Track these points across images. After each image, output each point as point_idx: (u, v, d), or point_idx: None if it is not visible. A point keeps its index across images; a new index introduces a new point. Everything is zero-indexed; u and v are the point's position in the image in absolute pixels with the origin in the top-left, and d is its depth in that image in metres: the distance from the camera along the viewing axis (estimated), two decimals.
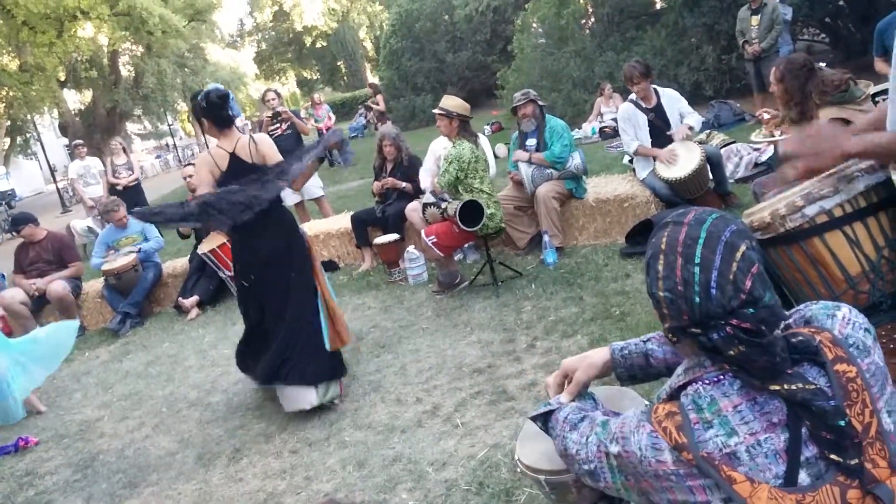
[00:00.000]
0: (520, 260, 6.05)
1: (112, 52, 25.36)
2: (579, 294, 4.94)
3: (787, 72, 3.93)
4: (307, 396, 4.03)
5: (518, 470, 1.87)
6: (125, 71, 27.63)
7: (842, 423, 1.12)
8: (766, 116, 4.19)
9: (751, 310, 1.15)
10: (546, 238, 5.75)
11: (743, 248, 1.18)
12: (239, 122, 4.26)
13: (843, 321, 1.26)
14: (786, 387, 1.15)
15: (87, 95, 27.91)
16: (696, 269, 1.18)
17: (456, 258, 6.00)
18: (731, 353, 1.18)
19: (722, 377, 1.21)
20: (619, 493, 1.35)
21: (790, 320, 1.33)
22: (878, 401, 1.19)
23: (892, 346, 2.05)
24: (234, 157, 4.11)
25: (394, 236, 6.40)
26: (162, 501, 3.58)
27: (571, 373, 1.68)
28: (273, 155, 4.19)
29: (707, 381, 1.22)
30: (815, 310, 1.31)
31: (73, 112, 26.60)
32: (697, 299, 1.17)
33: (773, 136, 5.79)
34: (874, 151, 1.86)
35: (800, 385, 1.15)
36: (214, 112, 4.11)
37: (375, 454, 3.50)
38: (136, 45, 25.92)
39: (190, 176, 7.15)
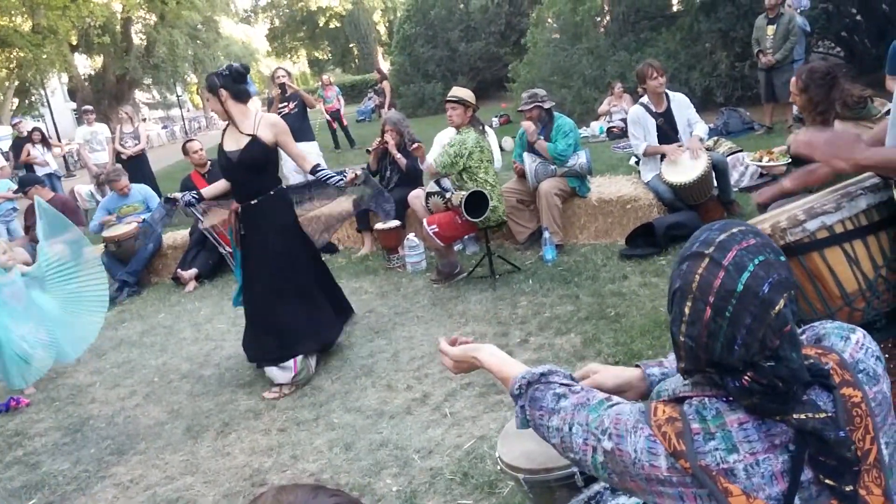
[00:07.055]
0: (519, 254, 6.07)
1: (125, 19, 25.31)
2: (576, 292, 4.95)
3: (811, 81, 3.72)
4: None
5: (498, 468, 1.89)
6: (137, 39, 27.54)
7: (848, 453, 1.10)
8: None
9: (771, 363, 1.12)
10: (546, 234, 5.76)
11: (780, 305, 1.12)
12: (251, 104, 4.34)
13: (856, 345, 1.23)
14: (796, 416, 1.12)
15: (98, 61, 27.83)
16: (725, 324, 1.13)
17: (455, 248, 6.00)
18: (745, 402, 1.15)
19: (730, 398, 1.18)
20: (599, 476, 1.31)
21: (802, 337, 1.29)
22: (880, 430, 1.16)
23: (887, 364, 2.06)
24: (254, 139, 4.18)
25: (395, 223, 6.40)
26: (148, 470, 3.61)
27: (593, 373, 1.63)
28: (287, 141, 4.35)
29: (714, 396, 1.19)
30: (829, 329, 1.27)
31: (82, 77, 26.53)
32: (719, 350, 1.14)
33: (762, 160, 5.72)
34: (885, 166, 1.87)
35: (810, 415, 1.12)
36: (235, 84, 4.15)
37: (363, 438, 3.53)
38: (149, 13, 25.85)
39: (195, 152, 7.18)
